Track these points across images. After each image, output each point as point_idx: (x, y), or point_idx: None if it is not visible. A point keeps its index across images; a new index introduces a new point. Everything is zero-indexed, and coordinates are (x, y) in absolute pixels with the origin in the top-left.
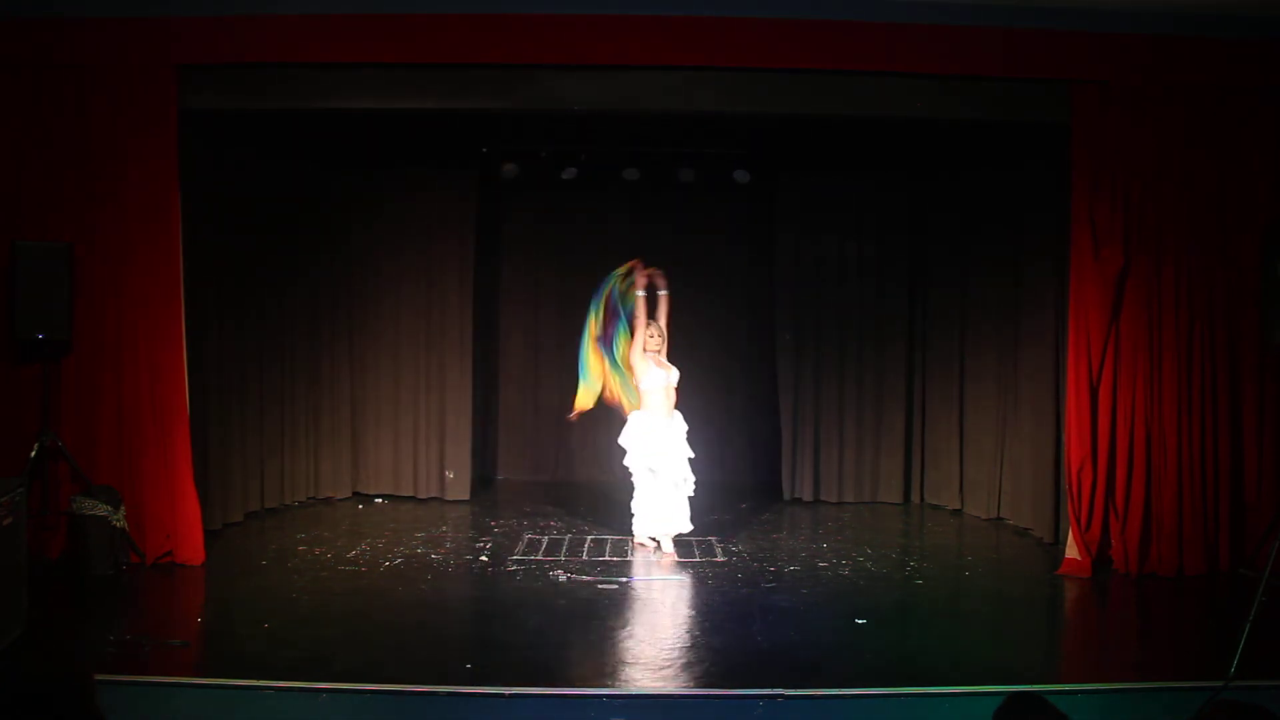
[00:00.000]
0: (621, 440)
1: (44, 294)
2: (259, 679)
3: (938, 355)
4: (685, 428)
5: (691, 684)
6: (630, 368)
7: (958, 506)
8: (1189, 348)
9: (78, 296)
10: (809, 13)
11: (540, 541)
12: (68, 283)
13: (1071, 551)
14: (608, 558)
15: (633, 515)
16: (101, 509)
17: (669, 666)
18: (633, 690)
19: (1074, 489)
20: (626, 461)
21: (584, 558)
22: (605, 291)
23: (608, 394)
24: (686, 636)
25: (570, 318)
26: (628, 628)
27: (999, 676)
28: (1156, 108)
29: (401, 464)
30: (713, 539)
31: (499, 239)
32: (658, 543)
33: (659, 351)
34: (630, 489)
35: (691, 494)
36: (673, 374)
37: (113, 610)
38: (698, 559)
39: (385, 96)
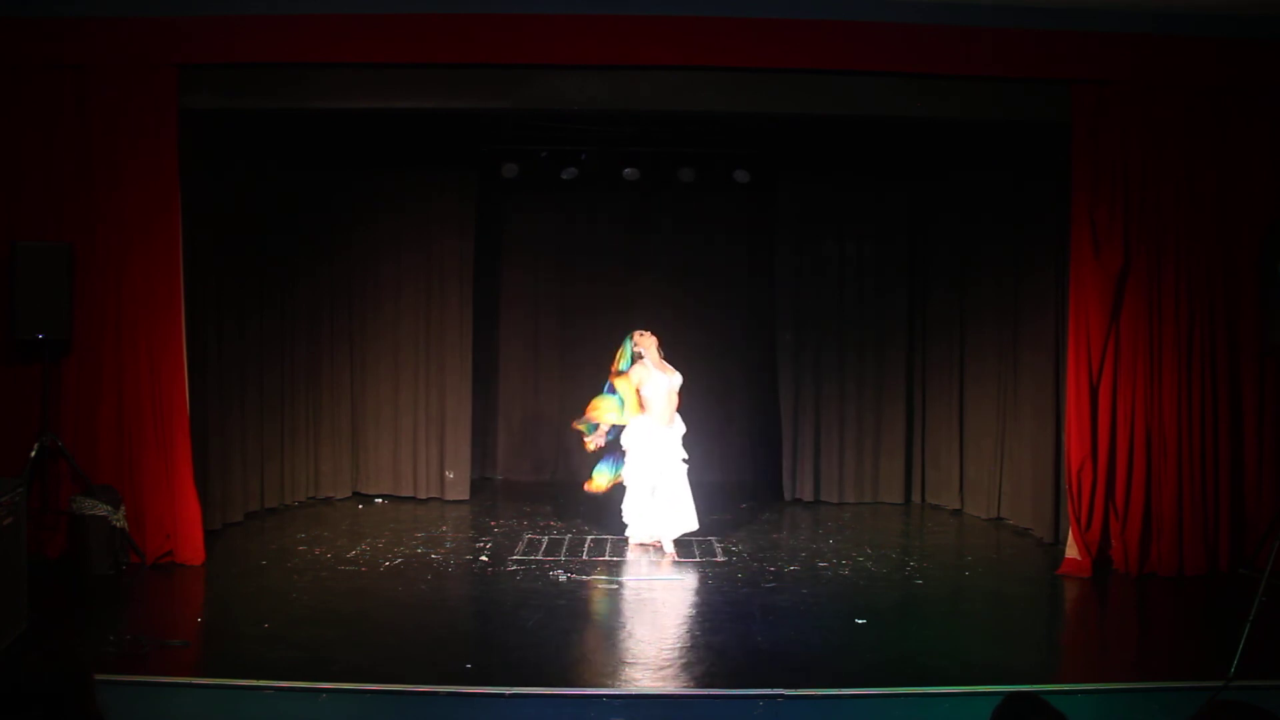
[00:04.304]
0: (624, 444)
1: (44, 294)
2: (259, 679)
3: (938, 355)
4: (684, 429)
5: (691, 684)
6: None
7: (958, 506)
8: (1189, 348)
9: (78, 296)
10: (808, 13)
11: (540, 541)
12: (68, 283)
13: (1071, 551)
14: (608, 558)
15: (626, 521)
16: (101, 509)
17: (669, 666)
18: (633, 690)
19: (1074, 489)
20: (626, 470)
21: (584, 558)
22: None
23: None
24: (686, 636)
25: (570, 317)
26: (628, 628)
27: (998, 676)
28: (1156, 107)
29: (401, 464)
30: (713, 539)
31: (499, 239)
32: (659, 544)
33: (653, 349)
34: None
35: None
36: (675, 379)
37: (113, 610)
38: (698, 559)
39: (385, 96)
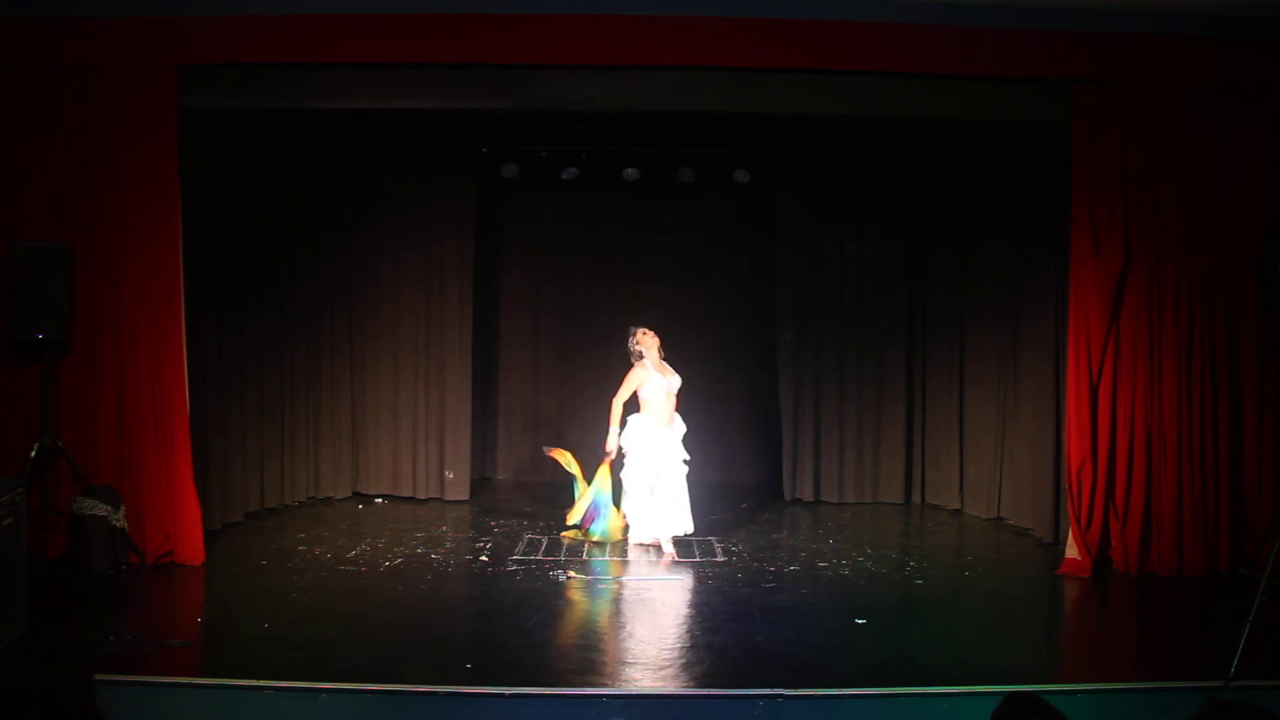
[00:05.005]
0: (623, 444)
1: (44, 294)
2: (259, 679)
3: (938, 355)
4: (684, 429)
5: (691, 684)
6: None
7: (958, 506)
8: (1189, 348)
9: (78, 296)
10: (808, 13)
11: (540, 541)
12: (68, 283)
13: (1071, 551)
14: (607, 558)
15: (626, 521)
16: (101, 509)
17: (669, 666)
18: (633, 690)
19: (1074, 489)
20: (626, 472)
21: (584, 558)
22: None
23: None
24: (686, 636)
25: (570, 317)
26: (628, 628)
27: (998, 676)
28: (1156, 108)
29: (401, 464)
30: (713, 539)
31: (499, 239)
32: (659, 544)
33: (654, 350)
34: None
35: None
36: (674, 380)
37: (113, 610)
38: (698, 559)
39: (385, 96)
